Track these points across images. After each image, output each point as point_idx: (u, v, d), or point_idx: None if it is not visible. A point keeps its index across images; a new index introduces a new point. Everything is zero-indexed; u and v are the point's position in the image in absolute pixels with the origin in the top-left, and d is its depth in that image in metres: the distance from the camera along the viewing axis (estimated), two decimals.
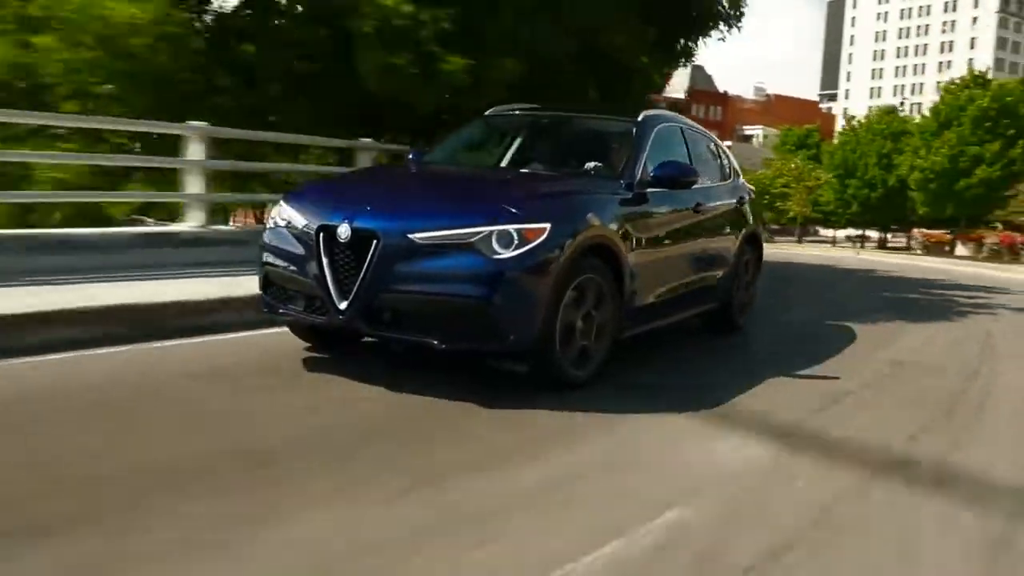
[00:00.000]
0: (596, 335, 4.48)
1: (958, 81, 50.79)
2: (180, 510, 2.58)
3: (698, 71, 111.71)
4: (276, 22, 10.58)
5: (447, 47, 9.45)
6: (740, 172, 7.21)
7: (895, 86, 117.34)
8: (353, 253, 4.07)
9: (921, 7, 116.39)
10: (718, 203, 6.30)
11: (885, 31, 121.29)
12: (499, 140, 6.22)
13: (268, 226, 4.78)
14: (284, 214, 4.56)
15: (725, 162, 6.87)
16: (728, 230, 6.47)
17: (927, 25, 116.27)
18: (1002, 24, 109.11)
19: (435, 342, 3.99)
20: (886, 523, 2.92)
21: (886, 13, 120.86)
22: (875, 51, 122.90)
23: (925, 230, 51.50)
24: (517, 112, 6.43)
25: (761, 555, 2.53)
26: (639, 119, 5.62)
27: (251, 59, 9.98)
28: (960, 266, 27.68)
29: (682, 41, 14.73)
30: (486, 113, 6.51)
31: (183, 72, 9.53)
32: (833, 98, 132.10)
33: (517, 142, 6.00)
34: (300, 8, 10.60)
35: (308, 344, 5.02)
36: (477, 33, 9.90)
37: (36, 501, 2.59)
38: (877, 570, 2.55)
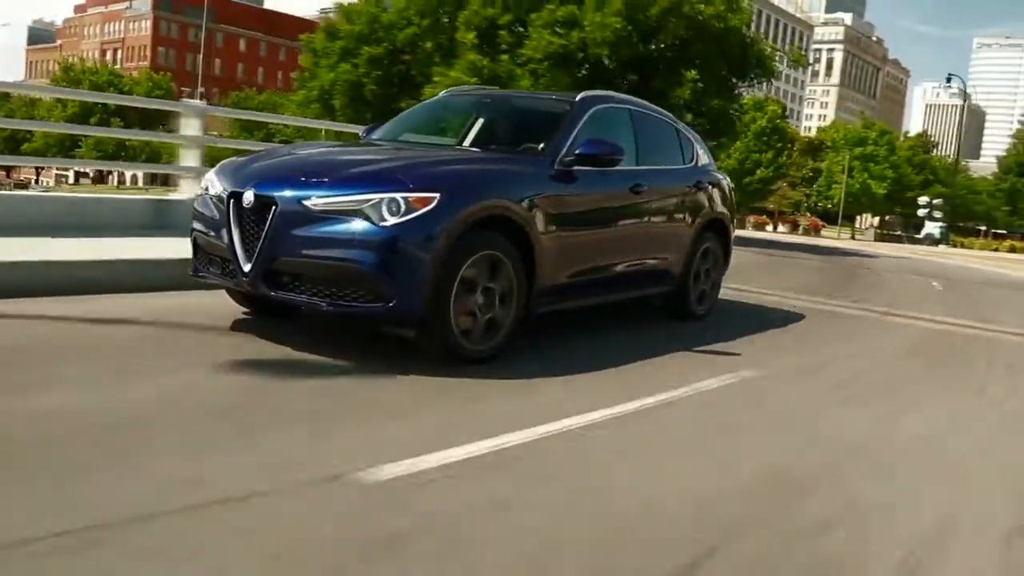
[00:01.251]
0: (500, 310, 4.41)
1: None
2: None
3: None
4: None
5: None
6: (706, 157, 6.90)
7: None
8: (257, 218, 4.14)
9: None
10: (667, 186, 6.10)
11: None
12: (449, 118, 6.23)
13: (197, 193, 4.93)
14: (211, 183, 4.65)
15: (685, 146, 6.57)
16: (680, 213, 6.22)
17: None
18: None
19: (323, 305, 4.03)
20: None
21: None
22: None
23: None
24: (470, 91, 6.43)
25: None
26: (576, 99, 5.51)
27: None
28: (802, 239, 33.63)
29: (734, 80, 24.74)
30: (442, 92, 6.54)
31: None
32: None
33: (466, 120, 5.98)
34: None
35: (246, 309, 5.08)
36: None
37: None
38: None
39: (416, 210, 3.97)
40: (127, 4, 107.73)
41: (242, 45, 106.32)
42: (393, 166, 4.51)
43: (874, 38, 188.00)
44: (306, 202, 4.05)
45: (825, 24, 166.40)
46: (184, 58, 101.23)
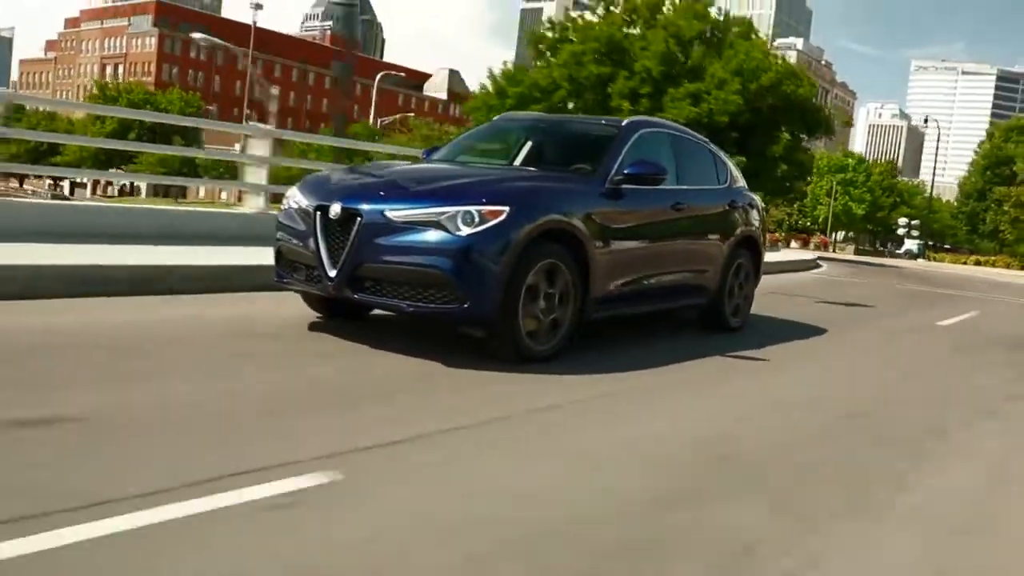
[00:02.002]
0: (559, 315, 4.70)
1: None
2: None
3: (454, 76, 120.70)
4: None
5: None
6: (740, 179, 7.17)
7: None
8: (342, 229, 4.41)
9: None
10: (704, 204, 6.36)
11: None
12: (502, 141, 6.50)
13: (282, 207, 5.21)
14: (295, 197, 4.93)
15: (720, 168, 6.84)
16: (716, 231, 6.46)
17: None
18: None
19: (404, 305, 4.35)
20: None
21: None
22: None
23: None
24: (523, 116, 6.75)
25: None
26: (623, 123, 5.86)
27: None
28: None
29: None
30: (495, 117, 6.88)
31: None
32: None
33: (519, 143, 6.25)
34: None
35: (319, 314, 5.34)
36: None
37: None
38: None
39: (488, 221, 4.29)
40: (125, 20, 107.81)
41: (241, 63, 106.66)
42: (466, 182, 4.82)
43: (823, 61, 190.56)
44: (388, 214, 4.36)
45: (777, 48, 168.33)
46: (187, 74, 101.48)
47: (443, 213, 4.29)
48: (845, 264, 29.58)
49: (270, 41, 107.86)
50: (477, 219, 4.27)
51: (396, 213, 4.35)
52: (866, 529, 2.69)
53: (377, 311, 5.22)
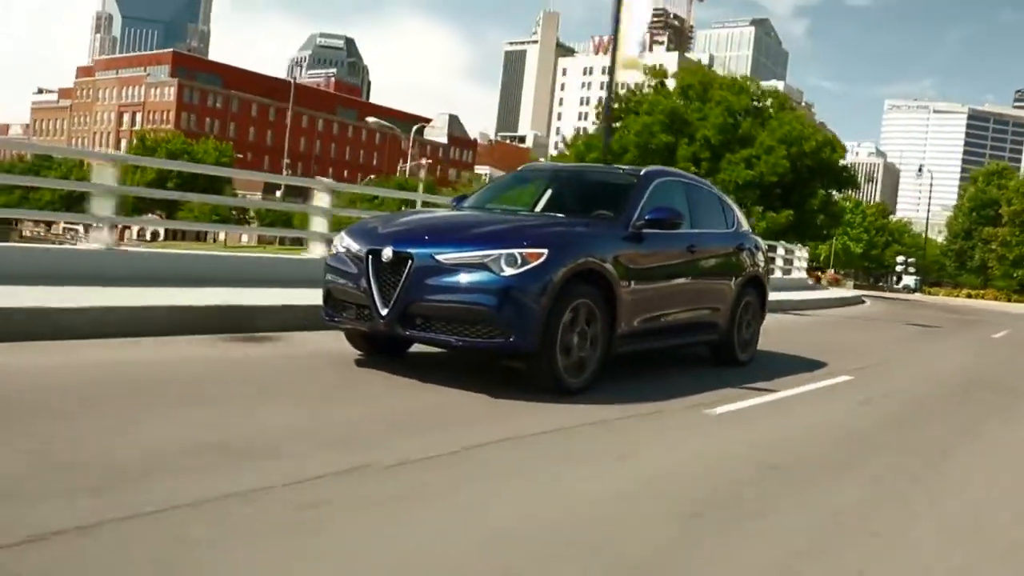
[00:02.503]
0: (590, 350, 4.92)
1: None
2: None
3: (454, 120, 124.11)
4: None
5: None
6: (745, 223, 7.39)
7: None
8: (393, 271, 4.66)
9: (619, 82, 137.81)
10: (715, 247, 6.58)
11: (588, 96, 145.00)
12: (527, 189, 6.75)
13: (331, 252, 5.41)
14: (344, 242, 5.16)
15: (728, 214, 7.08)
16: (725, 271, 6.69)
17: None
18: None
19: (452, 340, 4.58)
20: None
21: (589, 83, 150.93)
22: (579, 112, 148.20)
23: None
24: (544, 167, 6.96)
25: None
26: (641, 172, 6.13)
27: None
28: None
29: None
30: (519, 168, 7.12)
31: None
32: (521, 140, 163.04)
33: (542, 191, 6.49)
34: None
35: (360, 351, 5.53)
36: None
37: None
38: None
39: (529, 263, 4.55)
40: (141, 70, 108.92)
41: (254, 110, 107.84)
42: (508, 227, 5.09)
43: (804, 103, 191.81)
44: (438, 257, 4.62)
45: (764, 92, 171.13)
46: (204, 122, 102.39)
47: (488, 256, 4.56)
48: (877, 299, 32.27)
49: (276, 89, 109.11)
50: (519, 261, 4.53)
51: (445, 256, 4.60)
52: None
53: (414, 348, 5.44)
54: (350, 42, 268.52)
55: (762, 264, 7.37)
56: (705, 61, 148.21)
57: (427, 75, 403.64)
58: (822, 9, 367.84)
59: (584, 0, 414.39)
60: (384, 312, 4.67)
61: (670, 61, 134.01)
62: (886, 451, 4.46)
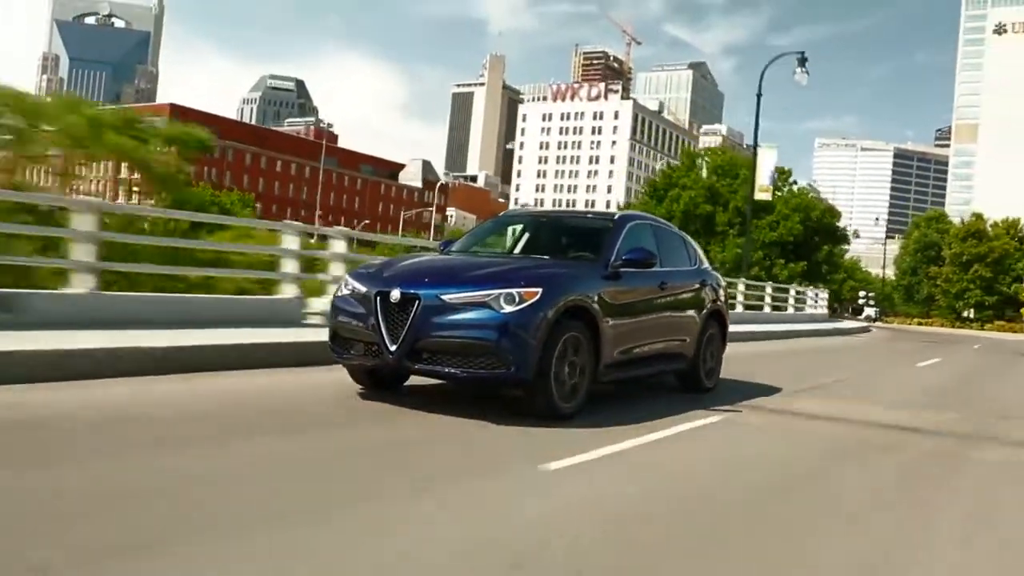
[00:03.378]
0: (579, 379, 5.12)
1: None
2: None
3: (427, 165, 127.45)
4: None
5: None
6: (706, 261, 7.55)
7: (555, 184, 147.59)
8: (401, 310, 4.84)
9: (576, 127, 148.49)
10: (682, 283, 6.77)
11: (548, 142, 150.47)
12: (510, 233, 6.96)
13: (336, 294, 5.53)
14: (349, 285, 5.31)
15: (691, 252, 7.26)
16: (691, 305, 6.87)
17: (579, 141, 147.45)
18: (632, 148, 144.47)
19: (457, 372, 4.76)
20: None
21: (549, 128, 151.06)
22: (540, 156, 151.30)
23: None
24: (524, 212, 7.09)
25: None
26: (615, 217, 6.38)
27: None
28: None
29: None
30: (501, 214, 7.26)
31: None
32: (473, 179, 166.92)
33: (523, 234, 6.71)
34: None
35: (361, 386, 5.58)
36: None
37: None
38: None
39: (526, 301, 4.78)
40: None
41: (247, 159, 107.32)
42: (505, 269, 5.30)
43: (744, 145, 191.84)
44: (443, 297, 4.82)
45: (705, 134, 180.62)
46: (202, 170, 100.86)
47: (489, 295, 4.79)
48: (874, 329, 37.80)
49: (267, 137, 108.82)
50: (517, 299, 4.76)
51: (449, 296, 4.81)
52: None
53: (410, 380, 5.60)
54: (300, 84, 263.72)
55: (723, 298, 7.58)
56: (647, 103, 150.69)
57: (366, 112, 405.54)
58: (749, 49, 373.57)
59: (523, 43, 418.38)
60: (393, 348, 4.82)
61: (625, 108, 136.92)
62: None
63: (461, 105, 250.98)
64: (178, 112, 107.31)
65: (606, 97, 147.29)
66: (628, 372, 6.01)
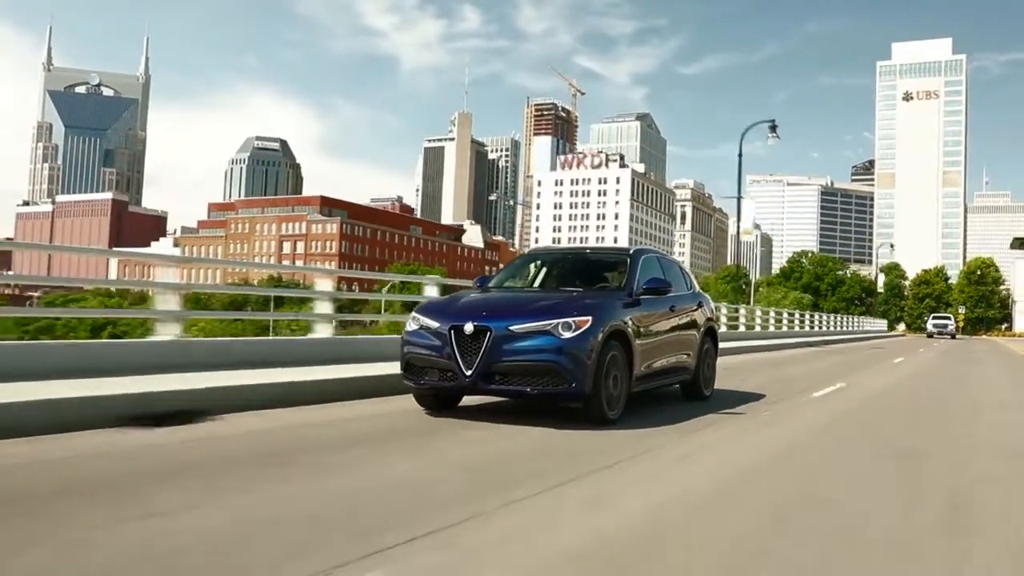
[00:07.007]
0: (620, 390, 4.87)
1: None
2: None
3: (485, 228, 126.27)
4: None
5: None
6: (696, 285, 6.88)
7: (568, 238, 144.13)
8: (474, 340, 4.66)
9: (585, 191, 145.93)
10: (685, 306, 6.37)
11: (560, 202, 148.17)
12: (532, 268, 6.50)
13: (407, 328, 5.11)
14: (419, 320, 5.02)
15: (687, 279, 6.82)
16: (693, 324, 6.46)
17: (587, 202, 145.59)
18: (632, 206, 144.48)
19: (528, 389, 4.61)
20: None
21: (561, 190, 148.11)
22: (554, 215, 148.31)
23: None
24: (551, 249, 6.51)
25: None
26: (631, 252, 6.19)
27: None
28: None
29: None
30: (527, 251, 6.65)
31: None
32: (460, 227, 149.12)
33: (552, 269, 6.31)
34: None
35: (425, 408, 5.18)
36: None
37: None
38: None
39: (580, 328, 4.66)
40: (290, 209, 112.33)
41: (379, 235, 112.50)
42: (558, 302, 5.03)
43: (707, 194, 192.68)
44: (512, 327, 4.67)
45: (678, 187, 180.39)
46: (354, 247, 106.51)
47: (550, 324, 4.68)
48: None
49: (377, 216, 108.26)
50: (573, 327, 4.67)
51: (517, 327, 4.69)
52: None
53: (464, 402, 5.33)
54: (284, 143, 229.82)
55: (715, 317, 7.34)
56: (602, 151, 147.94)
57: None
58: (659, 78, 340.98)
59: (487, 97, 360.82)
60: (468, 372, 4.66)
61: (624, 175, 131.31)
62: None
63: (432, 159, 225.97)
64: (327, 202, 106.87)
65: (607, 165, 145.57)
66: (650, 383, 5.82)
